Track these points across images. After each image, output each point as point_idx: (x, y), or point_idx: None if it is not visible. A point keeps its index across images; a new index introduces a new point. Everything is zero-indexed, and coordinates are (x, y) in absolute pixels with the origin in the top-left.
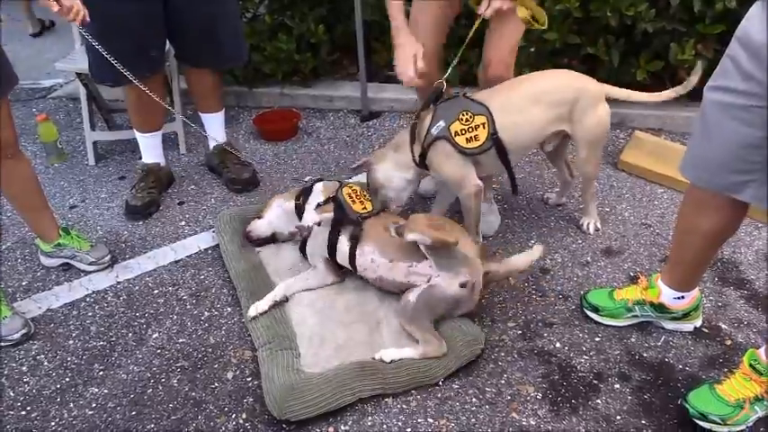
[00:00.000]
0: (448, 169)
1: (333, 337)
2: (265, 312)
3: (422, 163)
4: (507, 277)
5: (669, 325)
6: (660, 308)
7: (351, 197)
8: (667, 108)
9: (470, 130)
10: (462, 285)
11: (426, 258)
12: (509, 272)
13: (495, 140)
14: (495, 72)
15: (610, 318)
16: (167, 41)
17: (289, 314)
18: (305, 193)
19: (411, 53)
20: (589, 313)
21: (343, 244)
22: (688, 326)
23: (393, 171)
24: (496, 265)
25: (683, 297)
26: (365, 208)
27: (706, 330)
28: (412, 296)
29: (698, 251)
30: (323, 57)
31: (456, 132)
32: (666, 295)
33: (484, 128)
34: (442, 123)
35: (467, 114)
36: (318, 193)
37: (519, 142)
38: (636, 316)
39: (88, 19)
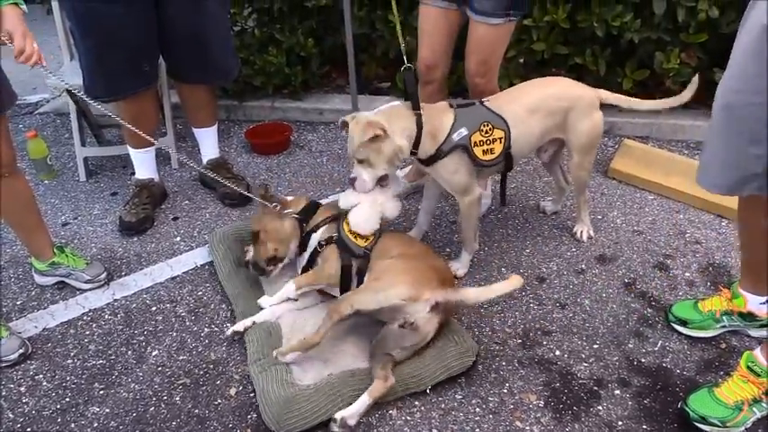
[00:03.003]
0: (457, 177)
1: (318, 354)
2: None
3: (427, 162)
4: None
5: (755, 332)
6: (749, 316)
7: (352, 233)
8: (654, 116)
9: (488, 142)
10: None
11: None
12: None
13: (506, 156)
14: (471, 81)
15: (699, 330)
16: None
17: (278, 330)
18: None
19: None
20: (677, 327)
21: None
22: None
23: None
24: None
25: None
26: (366, 239)
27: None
28: None
29: None
30: (313, 70)
31: (475, 143)
32: (753, 302)
33: (500, 142)
34: (464, 131)
35: (488, 126)
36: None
37: (521, 154)
38: (724, 326)
39: (45, 63)
